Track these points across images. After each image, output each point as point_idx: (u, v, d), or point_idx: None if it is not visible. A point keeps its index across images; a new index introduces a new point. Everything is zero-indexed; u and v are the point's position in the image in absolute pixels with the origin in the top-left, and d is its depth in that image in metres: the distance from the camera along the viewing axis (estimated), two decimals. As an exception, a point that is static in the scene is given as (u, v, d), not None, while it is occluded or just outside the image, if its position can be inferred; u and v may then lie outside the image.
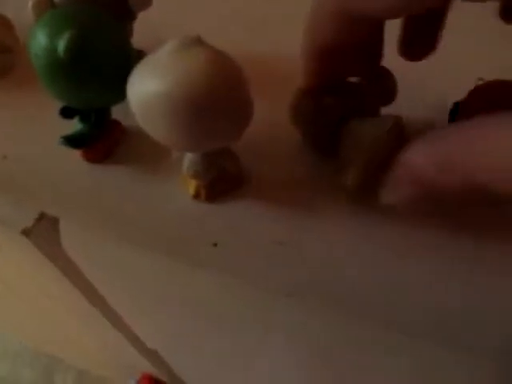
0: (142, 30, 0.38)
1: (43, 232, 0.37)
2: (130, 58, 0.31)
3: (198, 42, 0.26)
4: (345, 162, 0.31)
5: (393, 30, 0.36)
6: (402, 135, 0.29)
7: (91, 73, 0.29)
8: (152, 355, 0.76)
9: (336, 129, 0.32)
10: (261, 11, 0.48)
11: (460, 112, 0.34)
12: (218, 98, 0.25)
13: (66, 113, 0.33)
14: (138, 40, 0.36)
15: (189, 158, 0.30)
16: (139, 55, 0.32)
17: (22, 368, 1.34)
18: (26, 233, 0.37)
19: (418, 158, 0.22)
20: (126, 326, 0.62)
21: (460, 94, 0.35)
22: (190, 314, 0.47)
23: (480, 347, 0.27)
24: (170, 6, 0.46)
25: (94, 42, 0.28)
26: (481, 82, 0.35)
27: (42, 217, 0.37)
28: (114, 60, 0.29)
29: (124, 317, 0.59)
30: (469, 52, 0.40)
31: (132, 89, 0.27)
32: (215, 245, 0.32)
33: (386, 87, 0.33)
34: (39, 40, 0.28)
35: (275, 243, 0.31)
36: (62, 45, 0.27)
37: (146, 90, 0.25)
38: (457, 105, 0.35)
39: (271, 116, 0.36)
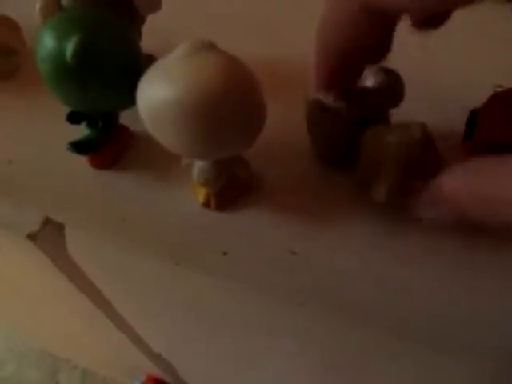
0: (151, 34, 0.37)
1: (48, 237, 0.37)
2: (138, 63, 0.30)
3: (210, 46, 0.25)
4: (368, 173, 0.30)
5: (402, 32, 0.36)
6: (429, 143, 0.28)
7: (99, 77, 0.28)
8: (156, 357, 0.76)
9: (350, 138, 0.31)
10: (271, 14, 0.47)
11: (477, 120, 0.33)
12: (230, 106, 0.24)
13: (73, 118, 0.32)
14: (147, 44, 0.35)
15: (199, 166, 0.30)
16: (149, 59, 0.31)
17: (28, 368, 1.34)
18: (31, 237, 0.37)
19: (455, 183, 0.23)
20: (131, 328, 0.62)
21: (477, 101, 0.34)
22: (194, 318, 0.46)
23: (482, 351, 0.26)
24: (180, 9, 0.45)
25: (102, 46, 0.27)
26: (499, 89, 0.34)
27: (47, 222, 0.36)
28: (122, 64, 0.29)
29: (129, 320, 0.59)
30: (487, 58, 0.39)
31: (141, 95, 0.26)
32: (225, 253, 0.31)
33: (393, 89, 0.32)
34: (46, 43, 0.27)
35: (287, 252, 0.30)
36: (69, 49, 0.26)
37: (156, 96, 0.24)
38: (473, 112, 0.34)
39: (283, 120, 0.35)
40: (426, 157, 0.29)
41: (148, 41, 0.36)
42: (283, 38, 0.43)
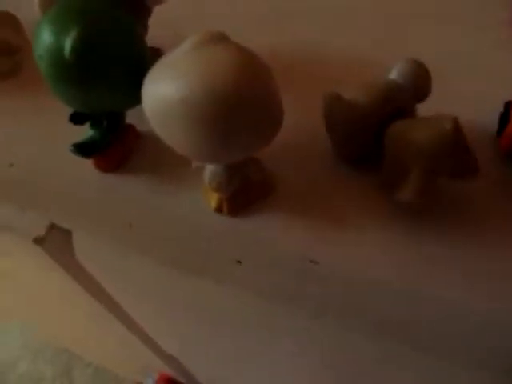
0: (158, 26, 0.34)
1: (55, 241, 0.35)
2: (144, 58, 0.28)
3: (221, 38, 0.23)
4: (394, 172, 0.28)
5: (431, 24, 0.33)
6: (461, 137, 0.26)
7: (100, 75, 0.26)
8: (168, 357, 0.76)
9: (373, 135, 0.29)
10: (288, 4, 0.44)
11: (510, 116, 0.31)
12: (242, 105, 0.21)
13: (77, 118, 0.30)
14: (154, 36, 0.33)
15: (210, 170, 0.27)
16: (156, 54, 0.29)
17: (43, 364, 1.34)
18: (38, 242, 0.36)
19: None
20: (141, 328, 0.61)
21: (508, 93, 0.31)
22: (203, 319, 0.45)
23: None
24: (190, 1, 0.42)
25: (103, 40, 0.25)
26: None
27: (52, 226, 0.35)
28: (125, 60, 0.26)
29: (140, 321, 0.58)
30: None
31: (146, 92, 0.24)
32: (239, 262, 0.29)
33: (419, 81, 0.29)
34: (43, 39, 0.25)
35: (305, 261, 0.28)
36: (67, 45, 0.24)
37: (161, 93, 0.22)
38: (508, 105, 0.32)
39: (298, 119, 0.33)
40: (456, 153, 0.26)
41: (155, 33, 0.34)
42: (301, 28, 0.40)
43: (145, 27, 0.33)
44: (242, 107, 0.21)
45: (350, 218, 0.30)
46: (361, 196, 0.30)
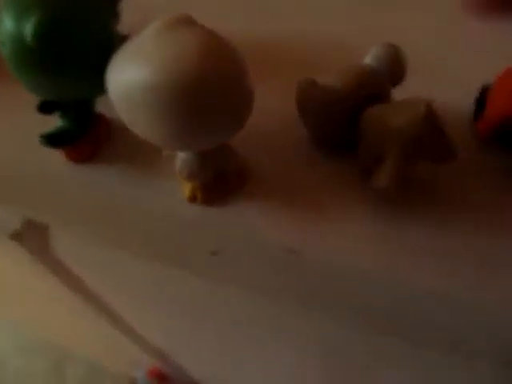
0: (130, 12, 0.33)
1: (32, 236, 0.34)
2: (111, 44, 0.27)
3: (187, 22, 0.22)
4: (369, 157, 0.27)
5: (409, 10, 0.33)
6: (436, 121, 0.25)
7: (64, 60, 0.25)
8: (156, 351, 0.76)
9: (347, 120, 0.28)
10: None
11: (488, 97, 0.30)
12: (212, 88, 0.21)
13: (45, 107, 0.29)
14: (125, 23, 0.32)
15: (181, 158, 0.27)
16: (125, 40, 0.28)
17: (36, 360, 1.34)
18: (14, 237, 0.35)
19: None
20: (127, 323, 0.61)
21: (486, 76, 0.31)
22: (190, 313, 0.45)
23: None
24: None
25: (67, 25, 0.24)
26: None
27: (28, 221, 0.34)
28: (91, 46, 0.26)
29: (124, 315, 0.57)
30: (494, 39, 0.36)
31: (110, 77, 0.23)
32: (214, 253, 0.28)
33: (394, 65, 0.29)
34: (4, 25, 0.24)
35: (283, 250, 0.28)
36: (28, 29, 0.23)
37: (125, 78, 0.21)
38: (484, 89, 0.31)
39: (274, 106, 0.32)
40: (432, 137, 0.26)
41: (126, 19, 0.33)
42: (277, 13, 0.40)
43: (115, 13, 0.32)
44: (207, 91, 0.21)
45: (327, 206, 0.29)
46: (338, 183, 0.30)
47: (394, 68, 0.29)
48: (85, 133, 0.31)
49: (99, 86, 0.27)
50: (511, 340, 0.24)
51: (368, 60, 0.29)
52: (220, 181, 0.29)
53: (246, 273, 0.28)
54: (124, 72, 0.21)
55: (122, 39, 0.29)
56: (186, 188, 0.29)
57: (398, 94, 0.30)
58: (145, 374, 1.07)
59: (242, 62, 0.23)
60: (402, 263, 0.26)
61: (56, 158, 0.32)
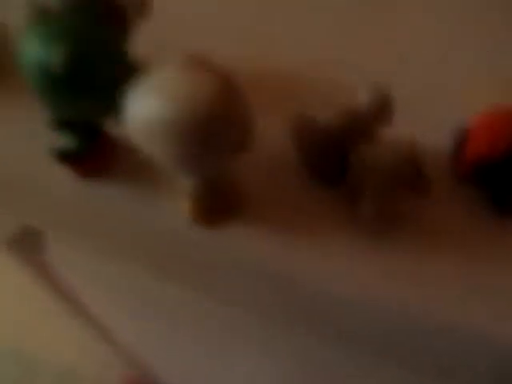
0: (144, 40, 0.36)
1: (25, 243, 0.36)
2: (127, 71, 0.29)
3: (201, 62, 0.25)
4: (356, 192, 0.30)
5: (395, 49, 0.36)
6: (417, 162, 0.29)
7: (85, 86, 0.28)
8: (132, 357, 0.76)
9: (338, 156, 0.31)
10: (267, 27, 0.46)
11: (466, 139, 0.34)
12: (219, 124, 0.24)
13: (57, 124, 0.31)
14: (139, 51, 0.34)
15: (186, 180, 0.29)
16: (139, 67, 0.30)
17: (6, 367, 1.31)
18: (8, 244, 0.36)
19: None
20: (105, 328, 0.61)
21: (466, 114, 0.34)
22: (171, 322, 0.46)
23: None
24: (174, 18, 0.43)
25: (90, 56, 0.27)
26: (489, 109, 0.34)
27: (24, 229, 0.35)
28: (109, 73, 0.28)
29: (103, 321, 0.58)
30: (476, 79, 0.40)
31: (130, 109, 0.25)
32: (211, 270, 0.31)
33: (383, 107, 0.32)
34: (30, 51, 0.26)
35: (273, 271, 0.30)
36: (57, 59, 0.25)
37: (146, 112, 0.24)
38: (462, 131, 0.34)
39: (274, 135, 0.35)
40: (413, 176, 0.29)
41: (141, 48, 0.35)
42: (275, 50, 0.42)
43: (130, 40, 0.34)
44: (215, 127, 0.24)
45: (318, 232, 0.32)
46: (329, 210, 0.32)
47: (382, 109, 0.32)
48: (92, 149, 0.33)
49: (113, 109, 0.29)
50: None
51: (360, 100, 0.32)
52: (220, 203, 0.31)
53: (235, 291, 0.30)
54: (144, 106, 0.24)
55: (136, 66, 0.31)
56: (188, 208, 0.31)
57: (384, 129, 0.33)
58: (119, 379, 1.06)
59: (244, 100, 0.26)
60: (388, 287, 0.29)
61: (62, 170, 0.34)
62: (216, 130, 0.24)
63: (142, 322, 0.54)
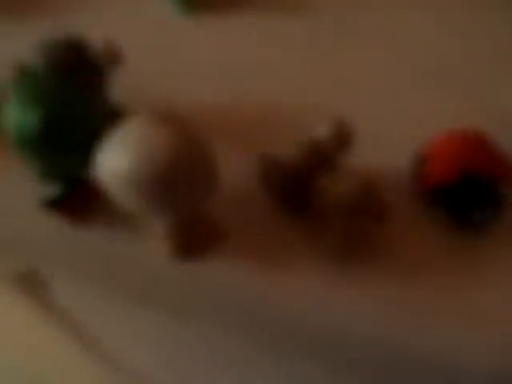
0: (121, 85, 0.38)
1: (30, 281, 0.38)
2: (101, 126, 0.32)
3: (163, 119, 0.27)
4: (323, 217, 0.33)
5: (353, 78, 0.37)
6: (372, 193, 0.31)
7: (60, 144, 0.30)
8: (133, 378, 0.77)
9: (301, 188, 0.33)
10: (242, 60, 0.47)
11: (424, 162, 0.35)
12: (179, 174, 0.26)
13: (41, 176, 0.34)
14: (116, 95, 0.37)
15: (160, 221, 0.32)
16: (118, 114, 0.33)
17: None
18: (13, 282, 0.38)
19: None
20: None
21: (422, 141, 0.36)
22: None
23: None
24: (153, 62, 0.45)
25: (65, 118, 0.30)
26: (443, 133, 0.36)
27: (25, 270, 0.37)
28: (82, 131, 0.31)
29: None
30: (432, 104, 0.41)
31: (99, 163, 0.28)
32: (192, 303, 0.33)
33: (343, 139, 0.34)
34: (13, 115, 0.29)
35: (252, 299, 0.32)
36: (34, 122, 0.28)
37: (111, 165, 0.27)
38: (420, 155, 0.36)
39: (246, 169, 0.37)
40: (368, 205, 0.31)
41: (118, 92, 0.38)
42: (245, 84, 0.44)
43: (104, 90, 0.37)
44: (175, 176, 0.26)
45: (289, 260, 0.34)
46: (300, 240, 0.34)
47: (342, 140, 0.34)
48: (74, 196, 0.35)
49: (88, 164, 0.32)
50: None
51: (320, 132, 0.35)
52: (195, 239, 0.33)
53: (221, 320, 0.32)
54: (109, 158, 0.27)
55: (116, 114, 0.34)
56: (165, 246, 0.33)
57: (348, 157, 0.35)
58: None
59: (206, 151, 0.28)
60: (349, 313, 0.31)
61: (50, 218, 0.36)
62: (175, 181, 0.26)
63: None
